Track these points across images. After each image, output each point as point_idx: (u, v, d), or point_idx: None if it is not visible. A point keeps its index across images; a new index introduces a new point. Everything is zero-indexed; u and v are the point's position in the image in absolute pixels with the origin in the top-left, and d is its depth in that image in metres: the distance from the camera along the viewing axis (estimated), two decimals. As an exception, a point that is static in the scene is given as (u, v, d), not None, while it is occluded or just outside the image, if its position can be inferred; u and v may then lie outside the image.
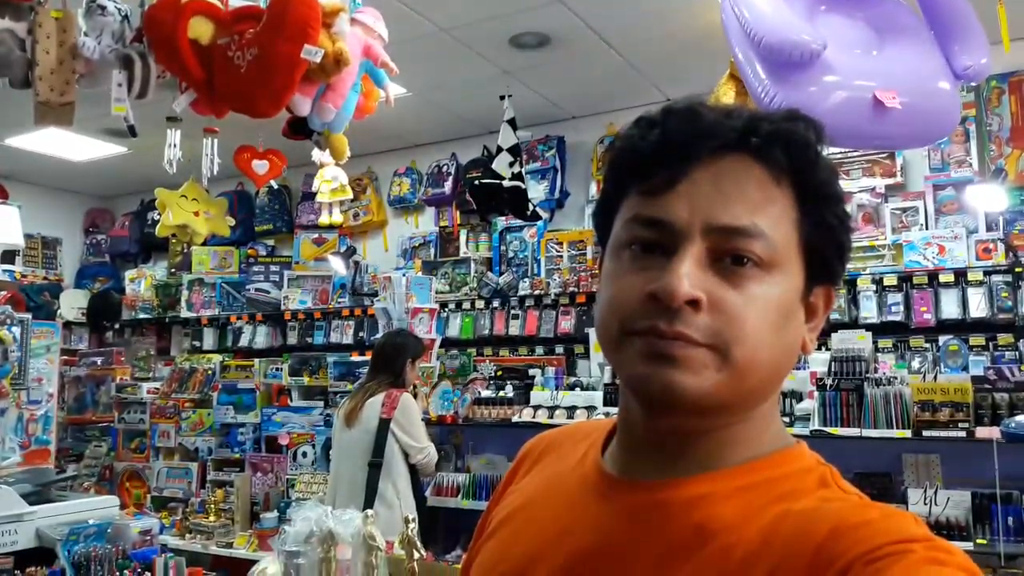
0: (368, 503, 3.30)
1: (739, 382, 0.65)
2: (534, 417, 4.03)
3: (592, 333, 4.54)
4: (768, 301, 0.65)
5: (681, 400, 0.64)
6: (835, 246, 0.70)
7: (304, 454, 4.73)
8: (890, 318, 3.97)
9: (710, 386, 0.64)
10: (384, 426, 3.43)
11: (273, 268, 6.05)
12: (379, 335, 4.27)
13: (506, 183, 4.59)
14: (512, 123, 4.67)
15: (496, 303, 5.12)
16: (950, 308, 3.87)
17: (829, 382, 3.34)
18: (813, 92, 2.53)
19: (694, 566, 0.63)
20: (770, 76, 2.60)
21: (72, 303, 6.77)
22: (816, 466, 0.69)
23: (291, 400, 5.24)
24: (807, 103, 2.53)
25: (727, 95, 3.65)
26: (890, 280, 4.01)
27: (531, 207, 4.78)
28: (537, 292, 4.98)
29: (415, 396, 3.81)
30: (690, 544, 0.64)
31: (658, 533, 0.66)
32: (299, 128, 2.71)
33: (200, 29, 2.26)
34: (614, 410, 3.70)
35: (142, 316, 6.55)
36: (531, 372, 4.66)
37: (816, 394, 3.33)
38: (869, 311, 4.02)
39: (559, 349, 4.90)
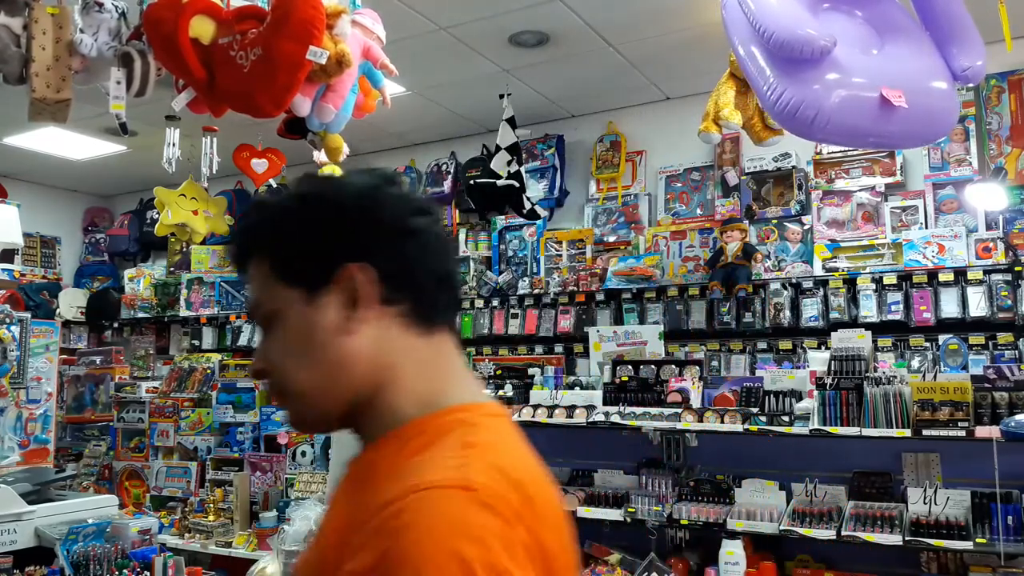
0: (367, 502, 3.29)
1: (309, 404, 0.87)
2: (533, 416, 4.02)
3: (591, 332, 4.54)
4: (286, 342, 0.86)
5: (306, 434, 0.83)
6: (292, 254, 0.86)
7: (303, 453, 4.72)
8: (890, 317, 3.98)
9: (301, 419, 0.90)
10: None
11: (272, 267, 6.03)
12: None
13: (500, 182, 4.58)
14: (511, 122, 4.67)
15: (495, 302, 5.12)
16: (950, 307, 3.87)
17: (829, 381, 3.33)
18: (816, 90, 2.53)
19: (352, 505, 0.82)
20: (776, 72, 2.59)
21: (71, 302, 6.77)
22: (436, 431, 0.81)
23: (290, 399, 5.23)
24: (811, 100, 2.53)
25: (727, 94, 3.65)
26: (890, 279, 4.01)
27: (530, 206, 4.77)
28: (536, 291, 4.98)
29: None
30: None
31: (352, 486, 0.87)
32: (295, 128, 2.70)
33: (201, 28, 2.26)
34: (613, 409, 3.66)
35: (141, 315, 6.53)
36: (530, 371, 4.64)
37: (816, 393, 3.32)
38: (869, 310, 4.02)
39: (558, 348, 4.90)
